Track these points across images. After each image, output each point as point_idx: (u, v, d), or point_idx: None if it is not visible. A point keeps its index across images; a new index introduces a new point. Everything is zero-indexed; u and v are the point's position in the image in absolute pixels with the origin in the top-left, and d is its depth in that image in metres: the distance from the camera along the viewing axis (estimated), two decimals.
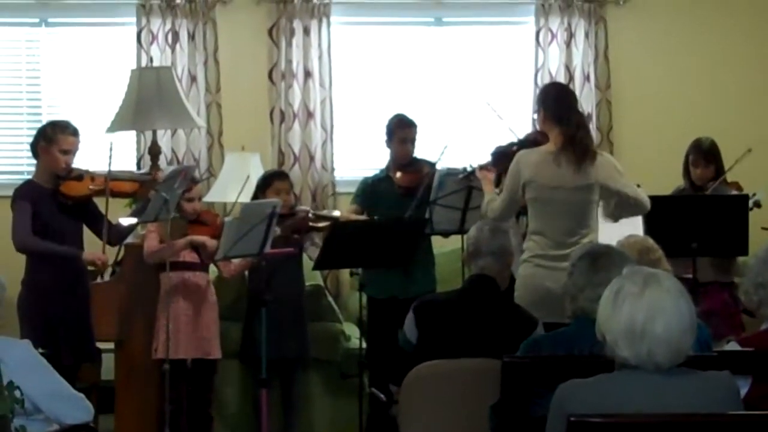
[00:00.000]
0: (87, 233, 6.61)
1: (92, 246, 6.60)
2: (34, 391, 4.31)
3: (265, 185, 7.08)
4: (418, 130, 7.46)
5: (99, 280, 7.01)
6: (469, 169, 6.77)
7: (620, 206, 5.98)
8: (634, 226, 6.24)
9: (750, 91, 9.08)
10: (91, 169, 6.57)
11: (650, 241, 5.17)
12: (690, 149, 7.26)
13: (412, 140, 7.38)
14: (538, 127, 6.38)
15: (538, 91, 6.84)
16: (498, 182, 6.41)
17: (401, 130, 7.35)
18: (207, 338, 6.81)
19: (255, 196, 7.06)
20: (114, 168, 6.58)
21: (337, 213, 7.45)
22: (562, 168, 5.84)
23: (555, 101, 5.97)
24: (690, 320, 3.31)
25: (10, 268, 5.02)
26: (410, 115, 7.50)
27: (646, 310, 3.28)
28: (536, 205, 5.93)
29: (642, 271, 3.42)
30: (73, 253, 6.42)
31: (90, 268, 6.60)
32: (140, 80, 7.48)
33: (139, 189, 6.75)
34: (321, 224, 7.06)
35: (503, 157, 6.45)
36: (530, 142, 6.45)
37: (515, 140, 6.69)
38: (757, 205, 7.03)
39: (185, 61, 8.74)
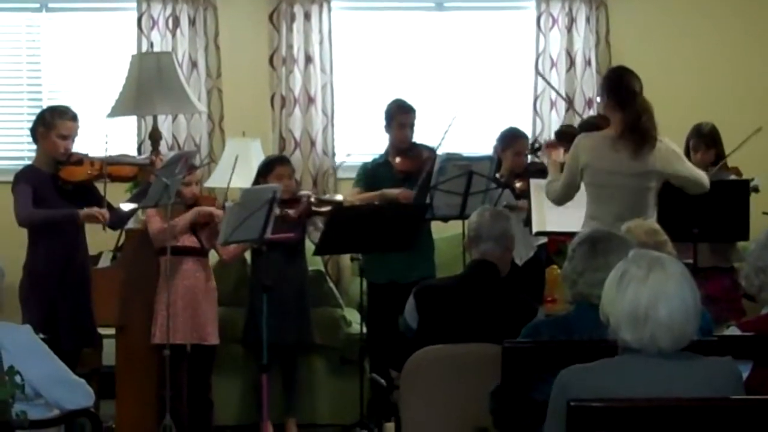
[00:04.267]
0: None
1: (92, 231, 6.60)
2: (35, 377, 4.32)
3: (266, 170, 7.08)
4: (419, 115, 7.46)
5: (99, 265, 7.02)
6: (536, 145, 6.79)
7: (683, 187, 6.04)
8: None
9: (751, 76, 9.06)
10: (91, 154, 6.57)
11: (656, 225, 5.17)
12: (690, 134, 7.26)
13: (411, 125, 7.38)
14: (601, 111, 6.35)
15: (601, 76, 6.83)
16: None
17: (400, 115, 7.35)
18: (204, 324, 6.81)
19: (256, 182, 7.06)
20: (114, 153, 6.58)
21: (339, 197, 7.45)
22: (619, 153, 5.82)
23: (618, 86, 5.95)
24: (694, 306, 3.31)
25: (11, 254, 5.02)
26: (411, 101, 7.50)
27: (650, 295, 3.27)
28: (592, 189, 5.93)
29: (647, 255, 3.41)
30: (72, 214, 6.38)
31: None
32: (141, 65, 7.47)
33: (138, 173, 6.75)
34: (324, 209, 7.06)
35: (569, 137, 6.43)
36: (590, 125, 6.45)
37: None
38: (755, 190, 7.02)
39: (186, 47, 8.73)
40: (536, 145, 7.07)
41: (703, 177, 6.05)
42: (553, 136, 7.12)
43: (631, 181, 5.85)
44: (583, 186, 5.99)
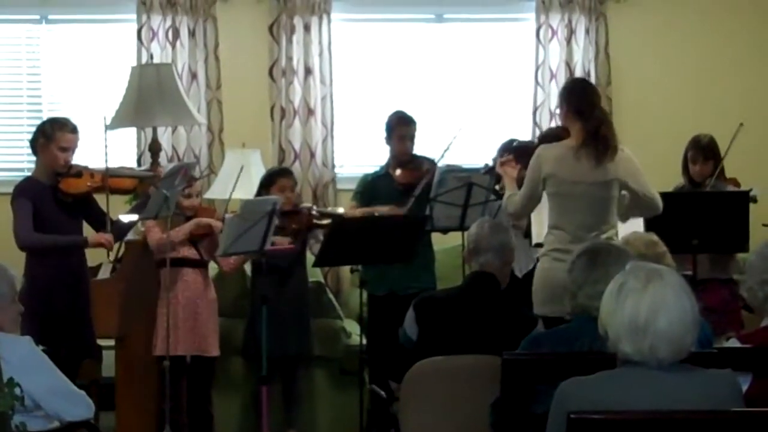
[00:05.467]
0: (87, 229, 6.60)
1: None
2: (35, 388, 4.32)
3: (269, 183, 7.08)
4: (419, 127, 7.47)
5: (99, 277, 7.02)
6: (490, 164, 6.79)
7: (634, 205, 5.99)
8: (635, 224, 6.24)
9: (750, 88, 9.07)
10: (90, 166, 6.58)
11: (655, 237, 5.17)
12: (689, 146, 7.26)
13: (412, 137, 7.38)
14: (560, 122, 6.37)
15: (561, 87, 6.84)
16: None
17: (400, 127, 7.36)
18: (205, 335, 6.81)
19: (259, 193, 7.05)
20: (114, 165, 6.59)
21: (341, 210, 7.45)
22: (582, 163, 5.83)
23: (577, 97, 5.96)
24: (693, 316, 3.31)
25: (10, 265, 5.02)
26: (411, 112, 7.50)
27: (649, 306, 3.27)
28: (556, 199, 5.92)
29: (645, 267, 3.41)
30: (77, 241, 6.42)
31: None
32: (141, 77, 7.48)
33: (138, 185, 6.75)
34: (325, 221, 7.07)
35: (525, 152, 6.44)
36: (551, 136, 6.46)
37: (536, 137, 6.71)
38: (754, 200, 7.03)
39: (186, 58, 8.74)
40: (489, 166, 6.98)
41: (658, 198, 5.97)
42: (498, 154, 7.05)
43: (593, 189, 5.85)
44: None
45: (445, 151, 7.25)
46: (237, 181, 6.92)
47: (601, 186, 5.85)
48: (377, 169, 7.55)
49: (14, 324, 4.56)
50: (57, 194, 6.44)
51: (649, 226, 6.24)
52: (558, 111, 6.34)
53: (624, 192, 5.94)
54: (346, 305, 8.12)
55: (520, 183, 6.13)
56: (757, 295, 4.38)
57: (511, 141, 7.41)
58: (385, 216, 7.08)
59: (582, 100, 5.92)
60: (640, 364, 3.29)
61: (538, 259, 6.08)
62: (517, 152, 6.64)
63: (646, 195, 5.93)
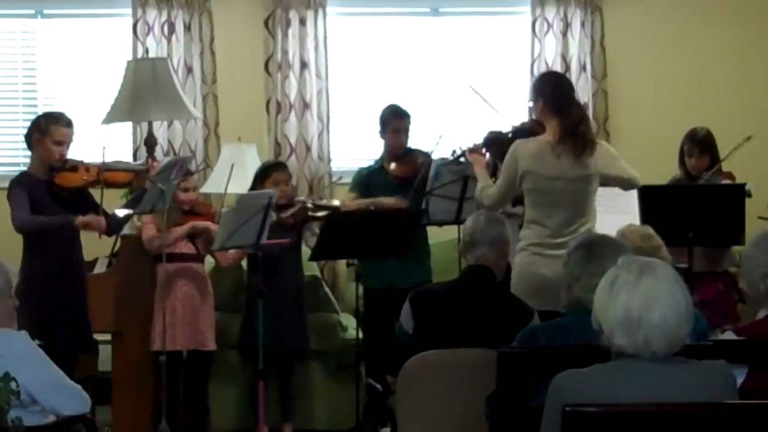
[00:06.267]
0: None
1: (88, 237, 6.60)
2: (31, 383, 4.32)
3: (263, 176, 7.08)
4: (415, 120, 7.46)
5: (95, 271, 7.02)
6: (458, 152, 6.76)
7: (615, 184, 6.11)
8: (630, 216, 6.25)
9: (747, 81, 9.08)
10: (85, 160, 6.57)
11: (651, 230, 5.18)
12: (685, 139, 7.25)
13: (406, 131, 7.37)
14: (534, 116, 6.36)
15: (533, 80, 6.80)
16: (495, 170, 6.40)
17: (394, 121, 7.34)
18: (203, 330, 6.82)
19: (253, 187, 7.05)
20: (109, 159, 6.58)
21: (336, 202, 7.44)
22: (561, 159, 5.84)
23: (553, 91, 5.96)
24: (686, 308, 3.32)
25: (7, 260, 5.02)
26: (406, 106, 7.49)
27: (642, 299, 3.28)
28: (534, 195, 5.94)
29: (638, 260, 3.42)
30: (68, 220, 6.38)
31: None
32: (136, 71, 7.47)
33: (133, 179, 6.74)
34: (320, 213, 7.06)
35: (497, 143, 6.45)
36: (526, 131, 6.43)
37: (509, 128, 6.67)
38: (747, 194, 7.02)
39: (181, 52, 8.73)
40: (458, 152, 6.93)
41: (635, 175, 6.08)
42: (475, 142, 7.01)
43: (573, 185, 5.87)
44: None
45: (436, 144, 7.22)
46: (230, 177, 6.92)
47: (581, 181, 5.88)
48: (372, 163, 7.54)
49: (10, 318, 4.57)
50: (52, 188, 6.43)
51: (644, 218, 6.25)
52: (531, 104, 6.31)
53: None
54: (343, 299, 8.13)
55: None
56: (758, 288, 4.37)
57: (506, 132, 7.39)
58: (382, 210, 7.07)
59: (559, 96, 5.92)
60: (634, 356, 3.30)
61: None
62: (488, 142, 6.62)
63: (622, 177, 6.02)
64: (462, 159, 6.73)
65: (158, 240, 6.67)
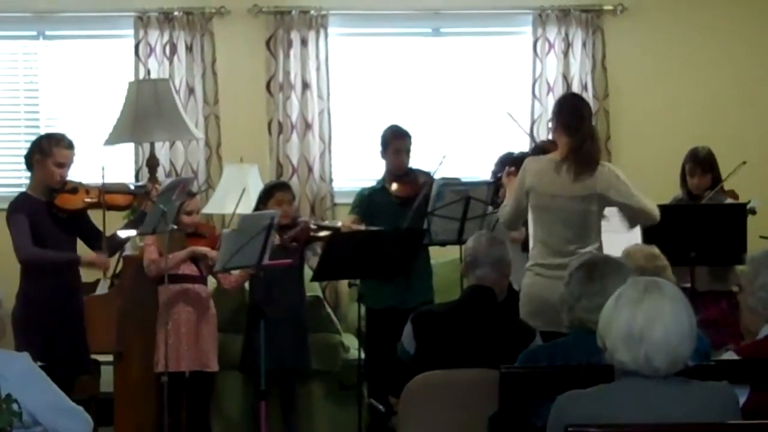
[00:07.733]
0: (81, 246, 6.59)
1: None
2: (33, 404, 4.31)
3: (266, 196, 7.08)
4: (416, 140, 7.47)
5: (97, 292, 7.01)
6: (499, 174, 6.82)
7: (626, 215, 6.00)
8: (632, 236, 6.24)
9: (748, 100, 9.09)
10: (86, 182, 6.57)
11: (657, 250, 5.18)
12: (687, 158, 7.26)
13: (407, 151, 7.37)
14: (550, 136, 6.42)
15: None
16: None
17: (395, 141, 7.35)
18: (206, 351, 6.81)
19: (257, 208, 7.05)
20: (111, 180, 6.58)
21: (339, 223, 7.45)
22: (561, 176, 5.85)
23: (567, 111, 5.99)
24: (689, 327, 3.31)
25: (5, 281, 5.01)
26: (408, 126, 7.50)
27: (645, 315, 3.28)
28: (536, 212, 5.96)
29: (644, 279, 3.43)
30: (74, 258, 6.41)
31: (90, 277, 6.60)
32: (138, 92, 7.49)
33: (133, 202, 6.74)
34: (323, 234, 7.07)
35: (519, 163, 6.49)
36: (538, 149, 6.48)
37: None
38: (752, 212, 7.03)
39: (183, 73, 8.75)
40: (499, 174, 6.98)
41: (651, 208, 5.94)
42: (496, 167, 7.08)
43: (572, 204, 5.87)
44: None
45: (439, 165, 7.22)
46: (239, 201, 6.93)
47: (580, 200, 5.87)
48: (374, 183, 7.55)
49: None
50: (52, 210, 6.42)
51: (646, 238, 6.25)
52: (550, 124, 6.37)
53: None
54: (345, 319, 8.13)
55: None
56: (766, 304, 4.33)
57: (509, 154, 7.41)
58: (383, 230, 7.07)
59: (571, 116, 5.94)
60: (636, 373, 3.29)
61: None
62: (519, 163, 6.66)
63: (631, 205, 5.92)
64: (499, 182, 6.79)
65: (155, 266, 6.66)
